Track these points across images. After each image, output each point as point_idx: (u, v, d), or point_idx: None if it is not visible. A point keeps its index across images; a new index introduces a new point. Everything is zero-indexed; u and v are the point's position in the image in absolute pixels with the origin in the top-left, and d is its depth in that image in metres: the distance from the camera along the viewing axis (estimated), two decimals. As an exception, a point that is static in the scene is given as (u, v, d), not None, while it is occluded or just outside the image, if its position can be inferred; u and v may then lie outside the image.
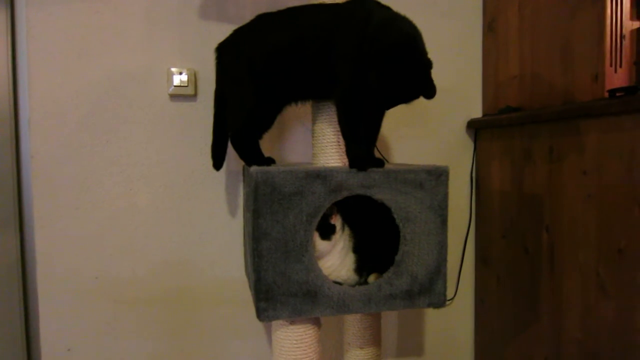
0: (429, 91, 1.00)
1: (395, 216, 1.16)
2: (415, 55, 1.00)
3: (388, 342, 1.74)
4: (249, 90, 1.21)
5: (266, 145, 1.58)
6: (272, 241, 1.09)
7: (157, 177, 1.52)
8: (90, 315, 1.50)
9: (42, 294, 1.46)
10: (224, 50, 1.32)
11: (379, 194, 1.15)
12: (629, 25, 1.26)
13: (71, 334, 1.49)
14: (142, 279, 1.53)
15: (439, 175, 1.18)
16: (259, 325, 1.62)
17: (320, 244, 1.18)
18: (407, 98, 1.03)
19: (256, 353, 1.63)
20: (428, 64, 1.01)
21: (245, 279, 1.58)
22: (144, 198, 1.52)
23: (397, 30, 1.01)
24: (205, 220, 1.56)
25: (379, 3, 1.13)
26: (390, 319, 1.75)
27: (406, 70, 0.99)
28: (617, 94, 1.16)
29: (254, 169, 1.10)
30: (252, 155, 1.26)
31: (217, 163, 1.39)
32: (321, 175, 1.10)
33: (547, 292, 1.40)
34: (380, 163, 1.16)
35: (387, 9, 1.11)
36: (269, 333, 1.63)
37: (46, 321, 1.47)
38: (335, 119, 1.19)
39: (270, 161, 1.26)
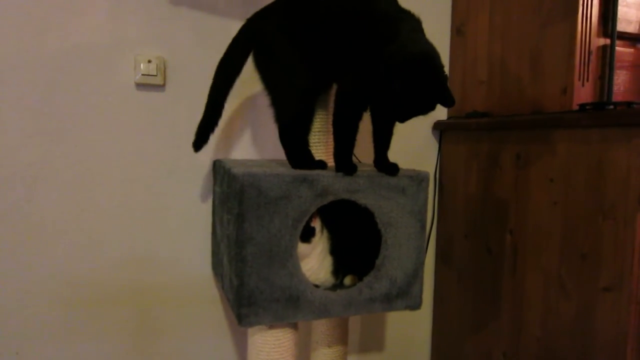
0: (448, 100, 1.02)
1: (378, 221, 1.17)
2: (434, 69, 1.01)
3: (351, 338, 1.76)
4: (299, 65, 1.13)
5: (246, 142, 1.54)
6: (257, 246, 1.06)
7: (119, 171, 1.44)
8: (42, 315, 1.40)
9: (-12, 294, 1.35)
10: (256, 21, 1.21)
11: (363, 199, 1.15)
12: (596, 42, 1.33)
13: (20, 336, 1.38)
14: (100, 277, 1.44)
15: (420, 181, 1.20)
16: (224, 326, 1.58)
17: (300, 247, 1.17)
18: (425, 109, 1.03)
19: (221, 355, 1.59)
20: (445, 77, 1.02)
21: (211, 277, 1.54)
22: (104, 191, 1.43)
23: (419, 46, 1.03)
24: (170, 215, 1.49)
25: (411, 18, 1.11)
26: (354, 317, 1.77)
27: (426, 82, 1.00)
28: (587, 108, 1.22)
29: (239, 170, 1.06)
30: (303, 155, 1.18)
31: (199, 143, 1.28)
32: (308, 180, 1.08)
33: (508, 291, 1.47)
34: (393, 170, 1.19)
35: (414, 24, 1.09)
36: (234, 334, 1.59)
37: (-8, 323, 1.36)
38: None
39: (323, 165, 1.19)
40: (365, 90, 1.09)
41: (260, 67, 1.21)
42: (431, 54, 1.02)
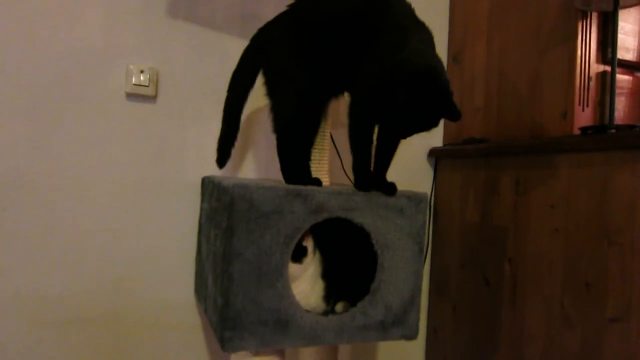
0: (454, 114, 0.97)
1: (374, 242, 1.11)
2: (439, 82, 0.97)
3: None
4: (302, 73, 1.10)
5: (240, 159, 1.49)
6: (245, 263, 0.99)
7: (102, 183, 1.36)
8: (9, 337, 1.29)
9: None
10: (265, 29, 1.21)
11: (359, 218, 1.09)
12: (595, 68, 1.32)
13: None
14: (73, 297, 1.34)
15: (419, 202, 1.15)
16: (204, 353, 1.48)
17: (291, 267, 1.10)
18: (429, 123, 0.99)
19: (201, 384, 1.49)
20: (450, 92, 0.98)
21: (193, 301, 1.45)
22: (84, 205, 1.35)
23: (425, 59, 0.99)
24: (152, 234, 1.42)
25: (421, 30, 1.08)
26: (343, 345, 1.67)
27: (431, 95, 0.96)
28: (589, 132, 1.19)
29: (229, 182, 1.00)
30: (298, 169, 1.14)
31: (222, 159, 1.25)
32: (302, 194, 1.03)
33: (507, 323, 1.40)
34: (391, 189, 1.13)
35: (424, 37, 1.07)
36: (216, 362, 1.50)
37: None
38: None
39: (318, 182, 1.14)
40: (375, 101, 1.05)
41: (266, 75, 1.19)
42: (437, 67, 0.99)
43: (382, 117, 1.04)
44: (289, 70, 1.13)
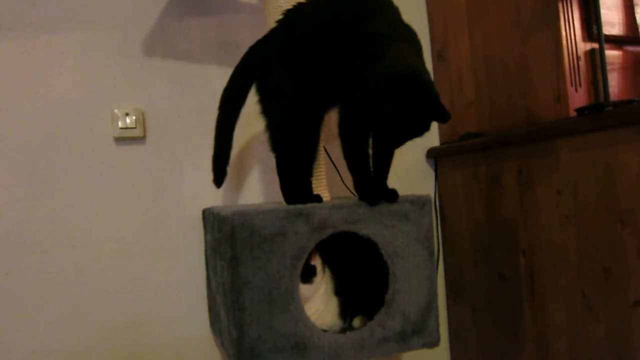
0: (442, 114, 0.96)
1: (383, 252, 1.09)
2: (421, 85, 0.95)
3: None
4: (293, 87, 1.09)
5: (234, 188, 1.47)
6: (255, 290, 0.97)
7: (103, 231, 1.35)
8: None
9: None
10: (256, 47, 1.19)
11: (364, 230, 1.07)
12: (582, 46, 1.30)
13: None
14: (89, 349, 1.32)
15: (422, 205, 1.13)
16: (227, 387, 1.45)
17: (302, 288, 1.08)
18: (419, 128, 0.96)
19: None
20: (435, 93, 0.96)
21: (210, 335, 1.42)
22: (89, 256, 1.33)
23: (404, 64, 0.96)
24: (160, 274, 1.39)
25: (404, 37, 1.06)
26: None
27: (415, 99, 0.93)
28: (585, 112, 1.17)
29: (228, 210, 0.98)
30: (297, 188, 1.12)
31: (219, 178, 1.20)
32: (303, 213, 1.01)
33: (530, 319, 1.37)
34: (392, 196, 1.11)
35: (405, 44, 1.04)
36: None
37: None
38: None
39: (318, 199, 1.12)
40: (362, 114, 1.03)
41: (259, 93, 1.17)
42: (416, 70, 0.96)
43: (372, 128, 1.02)
44: (281, 87, 1.12)
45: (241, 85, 1.20)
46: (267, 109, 1.16)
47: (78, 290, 1.32)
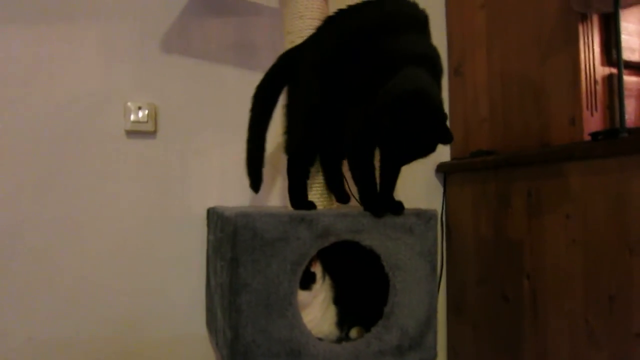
0: (445, 137, 0.92)
1: (385, 264, 1.07)
2: (424, 104, 0.91)
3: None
4: (316, 97, 1.10)
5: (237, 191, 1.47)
6: (253, 293, 0.96)
7: (108, 223, 1.35)
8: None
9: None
10: (290, 52, 1.19)
11: (367, 240, 1.06)
12: (600, 70, 1.29)
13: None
14: (87, 339, 1.32)
15: (428, 219, 1.11)
16: (220, 389, 1.44)
17: (300, 295, 1.06)
18: (423, 149, 0.94)
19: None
20: (441, 114, 0.93)
21: (206, 335, 1.41)
22: (92, 247, 1.34)
23: (411, 84, 0.93)
24: (161, 270, 1.39)
25: (424, 58, 1.01)
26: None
27: (417, 119, 0.90)
28: (599, 137, 1.15)
29: (232, 211, 0.98)
30: (300, 190, 1.13)
31: (255, 183, 1.18)
32: (306, 219, 1.00)
33: (529, 342, 1.34)
34: (397, 208, 1.09)
35: (421, 64, 0.99)
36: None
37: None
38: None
39: (312, 206, 1.12)
40: (366, 131, 1.01)
41: (287, 95, 1.17)
42: (424, 89, 0.93)
43: (376, 144, 1.01)
44: (305, 95, 1.12)
45: (274, 87, 1.19)
46: (288, 111, 1.16)
47: (78, 281, 1.32)
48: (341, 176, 1.24)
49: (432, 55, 1.01)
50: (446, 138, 0.92)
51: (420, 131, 0.91)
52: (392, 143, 0.94)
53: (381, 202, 1.08)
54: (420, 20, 1.05)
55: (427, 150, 0.94)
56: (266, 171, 1.27)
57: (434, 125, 0.91)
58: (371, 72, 1.01)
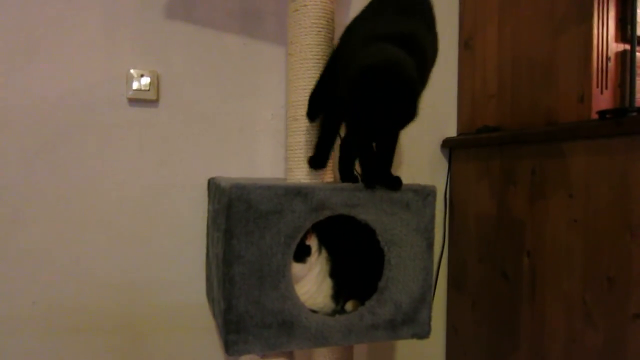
0: (409, 113, 0.87)
1: (380, 239, 1.07)
2: (395, 77, 0.86)
3: (357, 371, 1.63)
4: (327, 64, 1.12)
5: (234, 159, 1.47)
6: (246, 265, 0.96)
7: (110, 190, 1.37)
8: (26, 345, 1.31)
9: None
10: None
11: (363, 214, 1.05)
12: (614, 47, 1.24)
13: (1, 366, 1.30)
14: (87, 303, 1.36)
15: (426, 196, 1.10)
16: (218, 355, 1.47)
17: (295, 267, 1.07)
18: (391, 124, 0.91)
19: (215, 386, 1.48)
20: (412, 88, 0.87)
21: (206, 303, 1.44)
22: (94, 212, 1.35)
23: (383, 55, 0.88)
24: (163, 238, 1.41)
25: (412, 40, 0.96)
26: (359, 345, 1.64)
27: (386, 91, 0.85)
28: (607, 116, 1.12)
29: (227, 182, 0.98)
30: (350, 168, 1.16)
31: (320, 161, 1.13)
32: (302, 193, 1.00)
33: (527, 320, 1.34)
34: (394, 183, 1.07)
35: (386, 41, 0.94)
36: (230, 364, 1.48)
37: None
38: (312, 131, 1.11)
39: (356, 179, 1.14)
40: (339, 104, 1.00)
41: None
42: (394, 61, 0.87)
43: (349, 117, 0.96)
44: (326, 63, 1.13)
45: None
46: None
47: (80, 246, 1.35)
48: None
49: (409, 35, 0.95)
50: (409, 113, 0.86)
51: (385, 103, 0.86)
52: (354, 114, 0.89)
53: (376, 175, 1.07)
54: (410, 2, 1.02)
55: (394, 124, 0.90)
56: (271, 142, 1.27)
57: (400, 98, 0.86)
58: (345, 55, 1.01)
